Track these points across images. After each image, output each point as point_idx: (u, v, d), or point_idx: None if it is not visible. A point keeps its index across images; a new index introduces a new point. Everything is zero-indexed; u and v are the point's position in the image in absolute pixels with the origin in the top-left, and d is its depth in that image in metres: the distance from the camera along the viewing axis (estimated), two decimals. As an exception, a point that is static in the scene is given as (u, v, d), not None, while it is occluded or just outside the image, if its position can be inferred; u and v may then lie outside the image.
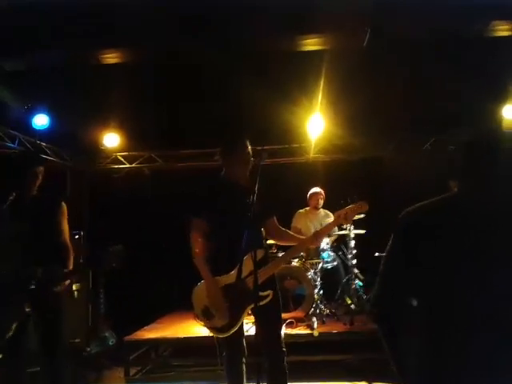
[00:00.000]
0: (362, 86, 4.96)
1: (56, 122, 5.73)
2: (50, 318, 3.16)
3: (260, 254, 2.89)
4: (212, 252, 3.02)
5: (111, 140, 6.35)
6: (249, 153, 3.07)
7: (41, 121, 5.74)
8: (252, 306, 2.91)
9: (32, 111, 5.69)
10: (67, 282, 3.17)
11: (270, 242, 3.30)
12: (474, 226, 1.42)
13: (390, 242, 1.57)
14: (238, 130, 3.26)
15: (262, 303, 2.89)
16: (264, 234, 3.18)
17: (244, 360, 3.07)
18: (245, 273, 2.78)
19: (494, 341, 1.34)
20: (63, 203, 3.27)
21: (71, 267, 3.23)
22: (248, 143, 3.09)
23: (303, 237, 3.41)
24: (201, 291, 3.03)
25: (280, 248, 4.99)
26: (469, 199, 1.48)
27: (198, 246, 3.07)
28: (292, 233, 3.30)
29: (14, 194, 3.25)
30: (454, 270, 1.40)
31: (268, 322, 3.00)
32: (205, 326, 3.05)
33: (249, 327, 3.09)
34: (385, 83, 4.90)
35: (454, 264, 1.41)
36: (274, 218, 3.18)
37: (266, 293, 2.90)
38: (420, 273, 1.45)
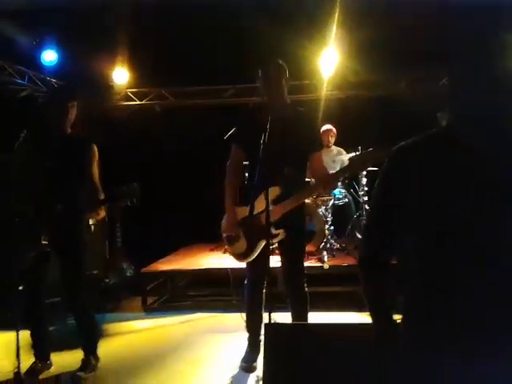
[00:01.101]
0: (379, 19, 4.79)
1: (65, 57, 5.66)
2: (70, 250, 3.25)
3: (276, 191, 2.92)
4: (245, 181, 3.05)
5: (121, 76, 6.27)
6: (279, 79, 2.98)
7: (49, 56, 5.67)
8: (271, 240, 2.96)
9: (41, 47, 5.61)
10: (100, 213, 3.23)
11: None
12: (466, 158, 1.27)
13: (379, 181, 1.44)
14: (276, 57, 3.10)
15: (274, 240, 2.98)
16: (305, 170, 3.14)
17: (264, 289, 3.16)
18: (260, 208, 2.84)
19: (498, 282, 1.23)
20: (94, 146, 3.25)
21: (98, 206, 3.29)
22: (282, 70, 3.01)
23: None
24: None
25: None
26: (458, 131, 1.32)
27: (228, 173, 3.14)
28: (322, 175, 3.06)
29: (45, 135, 3.27)
30: (450, 206, 1.27)
31: (287, 257, 3.13)
32: (228, 250, 3.19)
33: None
34: (402, 16, 4.72)
35: (448, 200, 1.27)
36: (313, 155, 3.05)
37: (277, 231, 2.94)
38: (414, 212, 1.32)
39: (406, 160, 1.36)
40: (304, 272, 3.18)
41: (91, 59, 5.64)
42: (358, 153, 4.91)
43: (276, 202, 2.92)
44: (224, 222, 3.14)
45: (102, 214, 3.26)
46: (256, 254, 3.02)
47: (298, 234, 3.08)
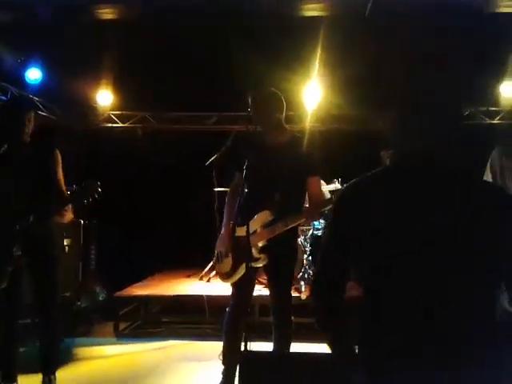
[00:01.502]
0: (361, 56, 4.93)
1: (49, 76, 5.64)
2: (42, 263, 3.20)
3: (266, 215, 2.95)
4: (239, 203, 2.98)
5: (105, 98, 6.27)
6: (267, 105, 3.01)
7: (34, 75, 5.64)
8: (250, 263, 2.91)
9: (25, 65, 5.59)
10: (66, 214, 3.18)
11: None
12: (412, 196, 1.31)
13: (329, 221, 1.52)
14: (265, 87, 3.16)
15: (254, 265, 2.97)
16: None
17: (244, 318, 3.07)
18: (250, 230, 2.83)
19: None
20: (57, 151, 3.25)
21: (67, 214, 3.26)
22: (271, 96, 3.05)
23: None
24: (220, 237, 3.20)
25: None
26: (402, 168, 1.37)
27: (228, 195, 3.22)
28: (315, 202, 3.07)
29: (6, 146, 3.25)
30: (397, 246, 1.30)
31: (273, 284, 3.13)
32: (215, 268, 3.24)
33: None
34: (386, 53, 4.87)
35: (395, 240, 1.30)
36: (309, 180, 3.03)
37: (259, 255, 2.96)
38: (362, 252, 1.35)
39: (361, 194, 1.40)
40: (290, 300, 3.16)
41: (76, 79, 5.64)
42: (337, 184, 4.99)
43: (266, 226, 2.95)
44: (218, 240, 3.17)
45: (69, 216, 3.20)
46: (238, 276, 3.00)
47: (284, 261, 3.06)
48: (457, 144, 1.35)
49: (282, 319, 3.10)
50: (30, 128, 3.23)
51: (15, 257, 3.02)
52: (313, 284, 1.55)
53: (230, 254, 3.07)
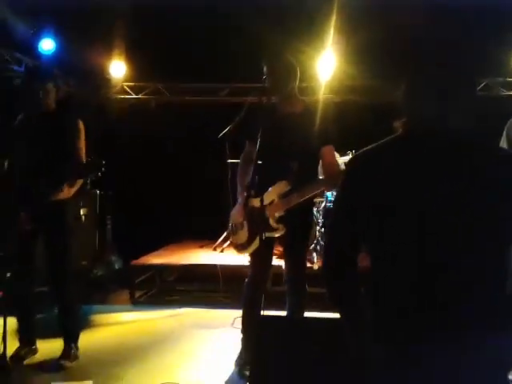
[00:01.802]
0: (376, 25, 4.83)
1: (63, 47, 5.63)
2: (54, 232, 3.26)
3: (283, 185, 2.93)
4: (254, 174, 2.98)
5: (118, 69, 6.24)
6: (281, 78, 2.96)
7: (47, 45, 5.63)
8: (265, 234, 2.95)
9: (39, 35, 5.58)
10: (64, 190, 3.20)
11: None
12: (421, 164, 1.28)
13: (338, 190, 1.49)
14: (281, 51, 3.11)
15: (270, 235, 2.96)
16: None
17: (263, 288, 3.11)
18: (266, 201, 2.88)
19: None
20: (79, 121, 3.28)
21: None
22: (286, 64, 3.01)
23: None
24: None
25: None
26: (414, 136, 1.33)
27: (240, 166, 3.20)
28: (330, 171, 3.00)
29: (22, 115, 3.29)
30: (405, 211, 1.27)
31: (289, 254, 3.14)
32: (230, 240, 3.24)
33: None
34: (404, 22, 4.76)
35: (404, 206, 1.28)
36: (323, 149, 2.97)
37: (276, 226, 2.94)
38: (371, 218, 1.33)
39: (370, 163, 1.37)
40: (305, 270, 3.18)
41: (89, 50, 5.62)
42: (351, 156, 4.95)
43: (283, 196, 2.92)
44: (233, 209, 3.16)
45: (67, 192, 3.22)
46: (253, 248, 3.01)
47: (300, 232, 3.06)
48: (471, 113, 1.32)
49: (297, 288, 3.13)
50: (49, 98, 3.23)
51: (22, 220, 3.08)
52: (323, 255, 1.54)
53: (245, 226, 3.06)
